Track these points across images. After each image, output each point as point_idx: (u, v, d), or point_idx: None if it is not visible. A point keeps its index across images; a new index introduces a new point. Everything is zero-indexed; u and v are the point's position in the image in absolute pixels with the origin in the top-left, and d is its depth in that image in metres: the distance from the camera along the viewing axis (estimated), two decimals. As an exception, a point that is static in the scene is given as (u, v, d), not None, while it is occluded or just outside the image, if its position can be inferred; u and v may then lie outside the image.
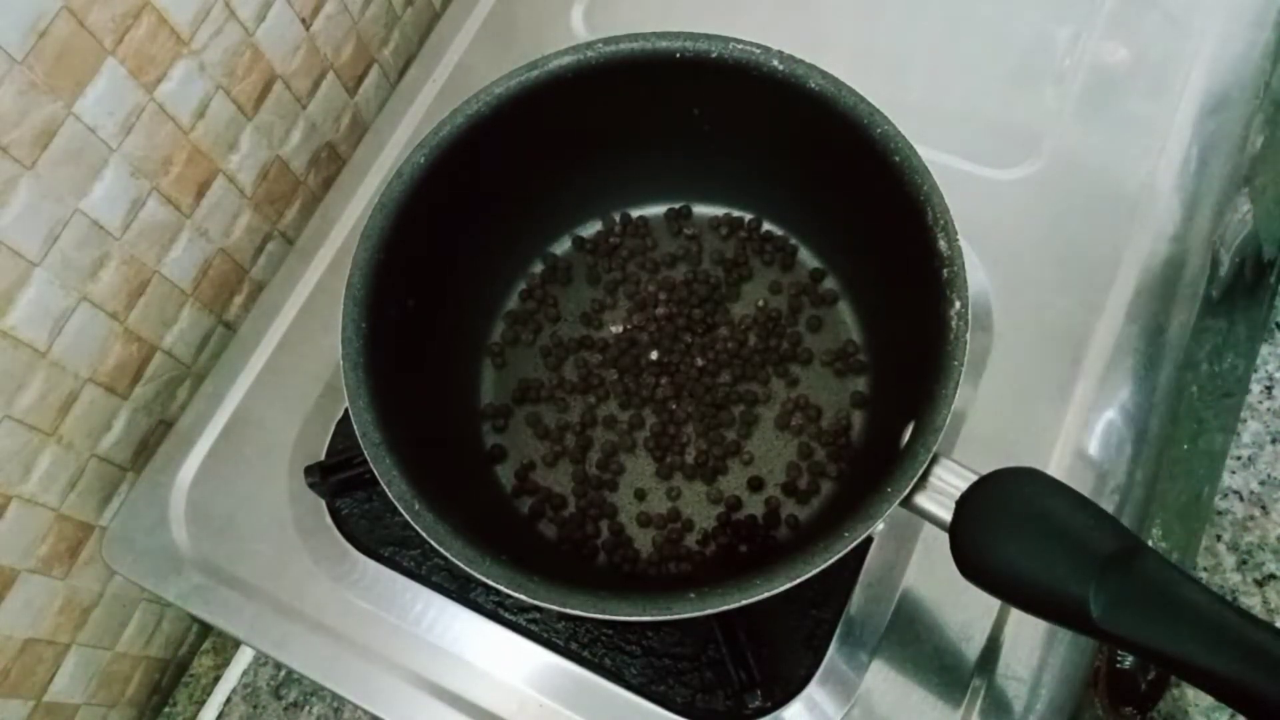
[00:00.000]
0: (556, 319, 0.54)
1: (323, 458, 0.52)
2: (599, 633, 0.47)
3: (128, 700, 0.62)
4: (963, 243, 0.40)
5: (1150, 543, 0.51)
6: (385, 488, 0.39)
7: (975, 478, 0.37)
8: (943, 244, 0.40)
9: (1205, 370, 0.56)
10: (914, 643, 0.45)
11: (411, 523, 0.38)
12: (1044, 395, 0.49)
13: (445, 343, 0.51)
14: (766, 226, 0.54)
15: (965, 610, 0.45)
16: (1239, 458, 0.65)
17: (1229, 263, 0.55)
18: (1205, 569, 0.63)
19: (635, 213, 0.55)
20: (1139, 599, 0.33)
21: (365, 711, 0.48)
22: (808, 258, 0.54)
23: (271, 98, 0.57)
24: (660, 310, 0.53)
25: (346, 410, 0.44)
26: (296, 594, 0.50)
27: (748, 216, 0.55)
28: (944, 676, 0.45)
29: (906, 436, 0.39)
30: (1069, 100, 0.56)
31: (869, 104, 0.43)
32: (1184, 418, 0.52)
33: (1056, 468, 0.48)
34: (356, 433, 0.40)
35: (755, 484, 0.49)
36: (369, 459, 0.40)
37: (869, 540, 0.47)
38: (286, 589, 0.50)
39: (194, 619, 0.65)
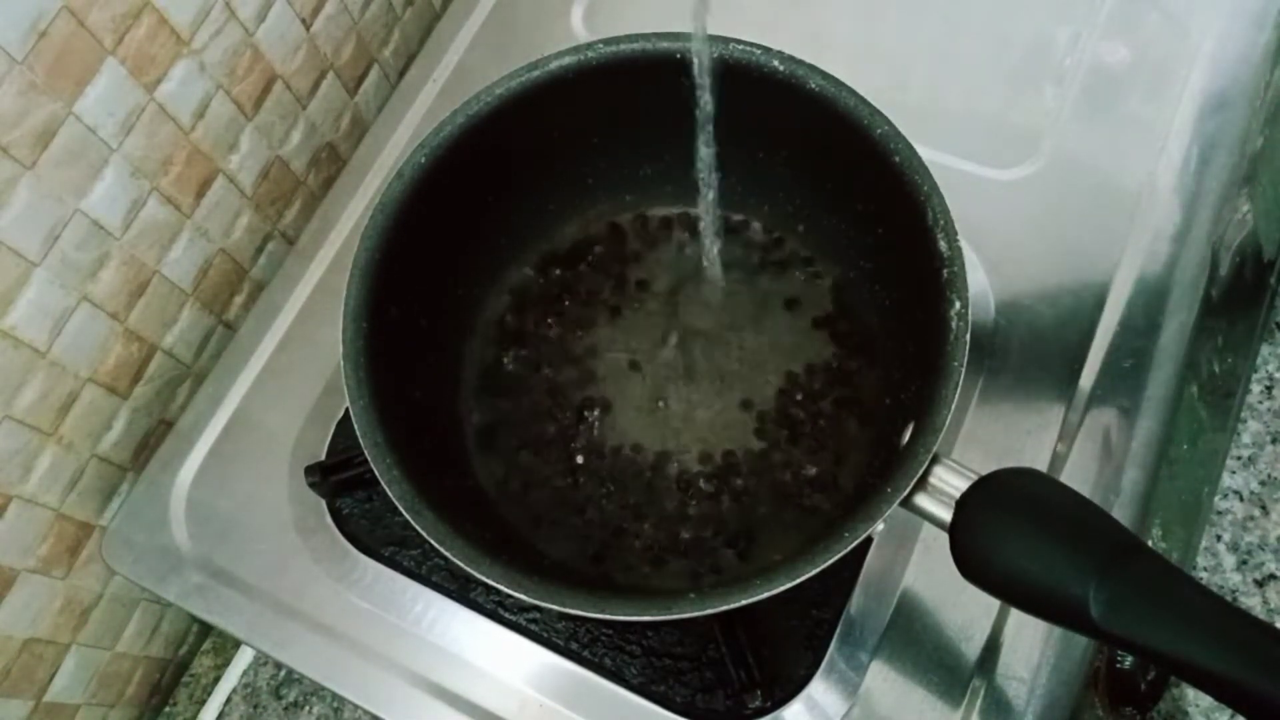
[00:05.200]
0: (557, 319, 0.54)
1: (323, 458, 0.52)
2: (599, 633, 0.47)
3: (128, 700, 0.62)
4: (963, 243, 0.40)
5: (1150, 543, 0.51)
6: (385, 488, 0.39)
7: (975, 478, 0.37)
8: (943, 244, 0.40)
9: (1205, 370, 0.56)
10: (914, 643, 0.45)
11: (412, 522, 0.38)
12: (1044, 395, 0.49)
13: (446, 342, 0.51)
14: (763, 227, 0.54)
15: (965, 610, 0.45)
16: (1239, 458, 0.65)
17: (1229, 263, 0.55)
18: (1205, 569, 0.63)
19: (635, 213, 0.55)
20: (1139, 599, 0.33)
21: (365, 711, 0.48)
22: (805, 256, 0.54)
23: (271, 98, 0.57)
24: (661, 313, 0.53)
25: (347, 410, 0.44)
26: (297, 594, 0.50)
27: (746, 218, 0.54)
28: (944, 676, 0.45)
29: (906, 437, 0.39)
30: (1069, 100, 0.56)
31: (869, 104, 0.43)
32: (1184, 418, 0.52)
33: (1056, 468, 0.48)
34: (357, 432, 0.40)
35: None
36: (369, 459, 0.40)
37: (869, 540, 0.46)
38: (287, 589, 0.50)
39: (194, 619, 0.65)
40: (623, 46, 0.46)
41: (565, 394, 0.52)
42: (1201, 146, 0.54)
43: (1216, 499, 0.64)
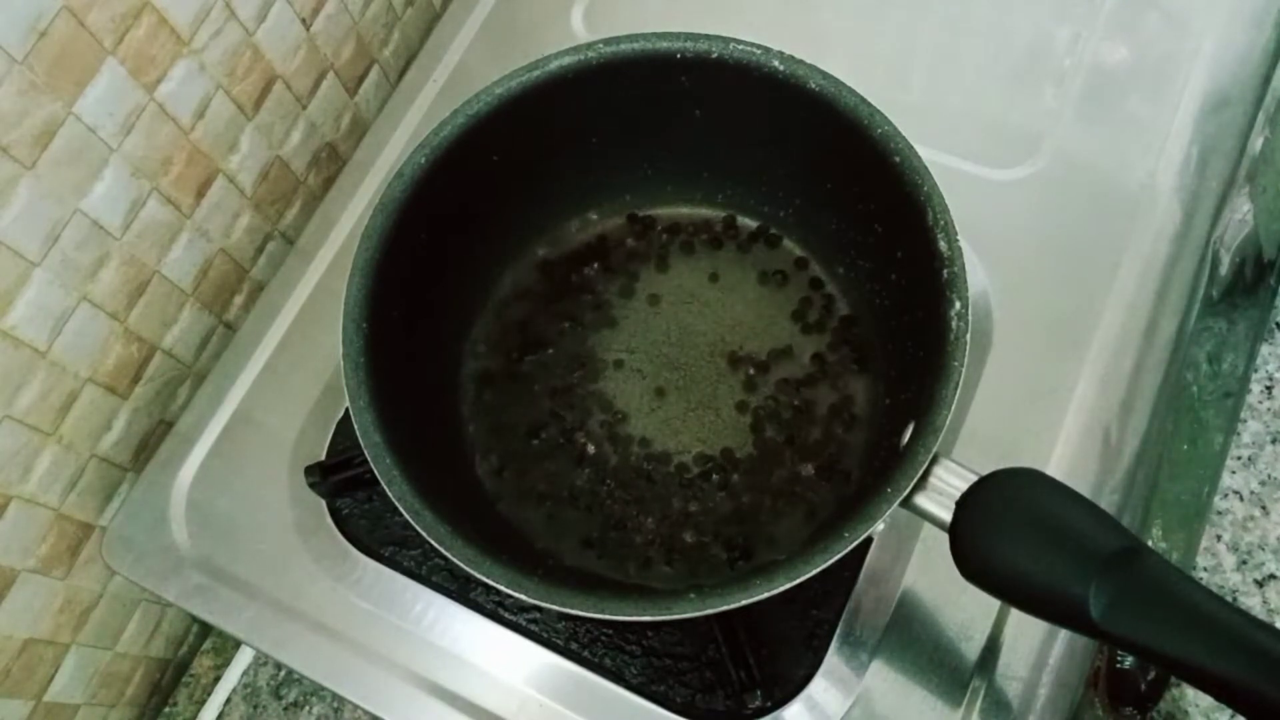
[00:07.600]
0: (556, 319, 0.54)
1: (323, 458, 0.52)
2: (599, 633, 0.47)
3: (128, 700, 0.62)
4: (963, 243, 0.40)
5: (1150, 543, 0.51)
6: (385, 488, 0.39)
7: (975, 478, 0.37)
8: (943, 244, 0.40)
9: (1205, 370, 0.56)
10: (914, 643, 0.45)
11: (411, 523, 0.38)
12: (1044, 395, 0.49)
13: (445, 342, 0.51)
14: (764, 228, 0.54)
15: (965, 610, 0.45)
16: (1239, 458, 0.65)
17: (1229, 263, 0.55)
18: (1205, 569, 0.63)
19: (634, 213, 0.55)
20: (1139, 599, 0.33)
21: (365, 711, 0.48)
22: (806, 257, 0.54)
23: (272, 98, 0.57)
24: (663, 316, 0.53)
25: (347, 410, 0.44)
26: (297, 594, 0.50)
27: (745, 218, 0.55)
28: (944, 676, 0.45)
29: (906, 437, 0.39)
30: (1069, 100, 0.56)
31: (869, 104, 0.43)
32: (1184, 418, 0.52)
33: (1056, 468, 0.48)
34: (356, 433, 0.40)
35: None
36: (369, 459, 0.40)
37: (869, 540, 0.46)
38: (287, 589, 0.50)
39: (194, 619, 0.65)
40: (623, 46, 0.46)
41: (565, 393, 0.52)
42: (1201, 146, 0.54)
43: (1216, 499, 0.64)
